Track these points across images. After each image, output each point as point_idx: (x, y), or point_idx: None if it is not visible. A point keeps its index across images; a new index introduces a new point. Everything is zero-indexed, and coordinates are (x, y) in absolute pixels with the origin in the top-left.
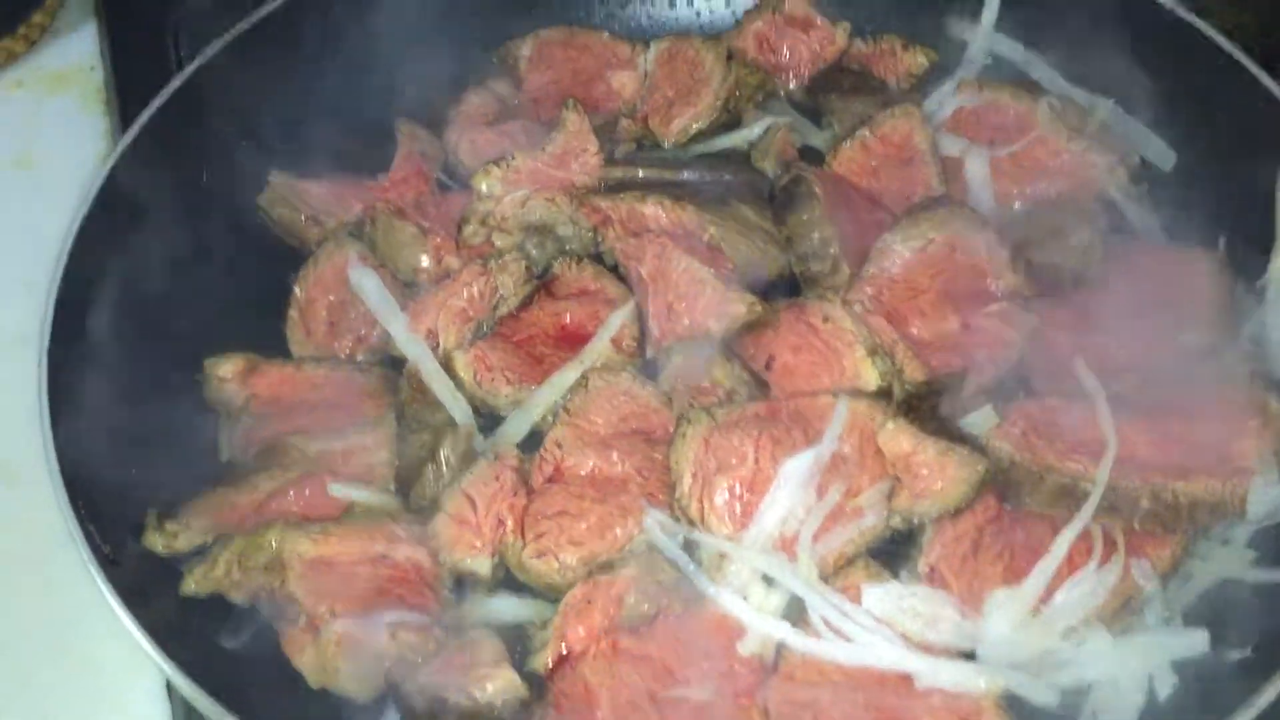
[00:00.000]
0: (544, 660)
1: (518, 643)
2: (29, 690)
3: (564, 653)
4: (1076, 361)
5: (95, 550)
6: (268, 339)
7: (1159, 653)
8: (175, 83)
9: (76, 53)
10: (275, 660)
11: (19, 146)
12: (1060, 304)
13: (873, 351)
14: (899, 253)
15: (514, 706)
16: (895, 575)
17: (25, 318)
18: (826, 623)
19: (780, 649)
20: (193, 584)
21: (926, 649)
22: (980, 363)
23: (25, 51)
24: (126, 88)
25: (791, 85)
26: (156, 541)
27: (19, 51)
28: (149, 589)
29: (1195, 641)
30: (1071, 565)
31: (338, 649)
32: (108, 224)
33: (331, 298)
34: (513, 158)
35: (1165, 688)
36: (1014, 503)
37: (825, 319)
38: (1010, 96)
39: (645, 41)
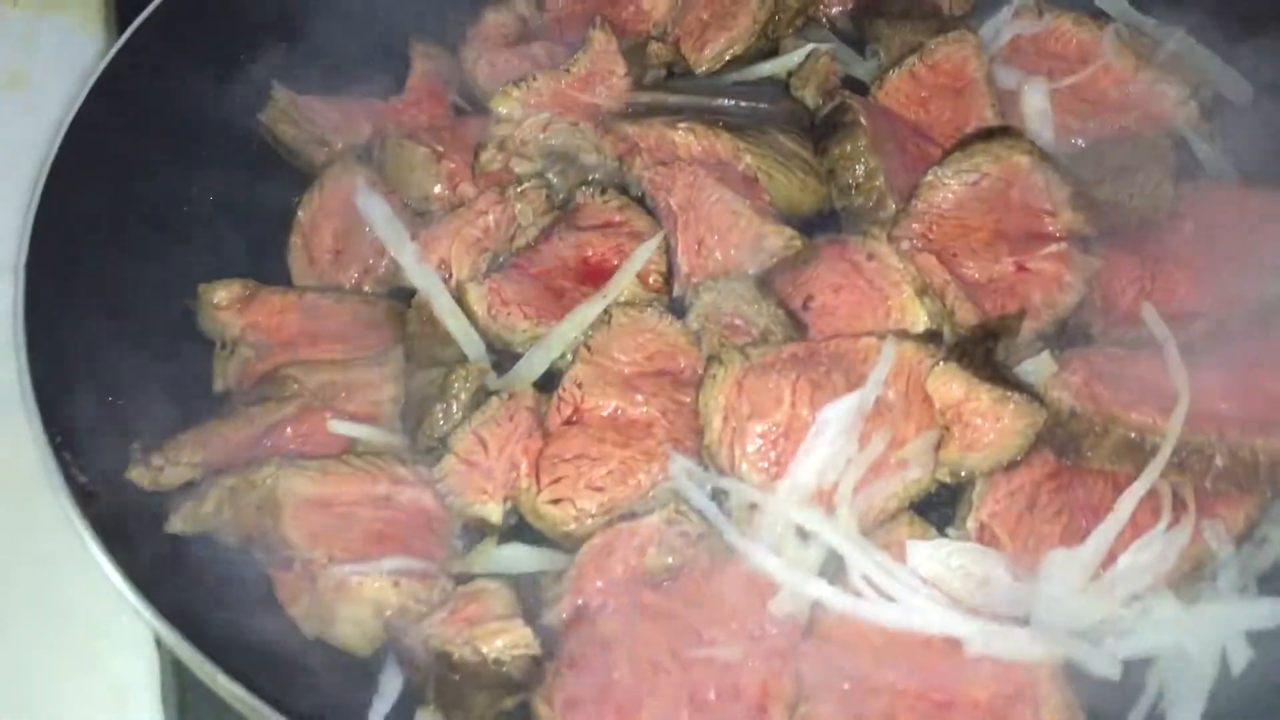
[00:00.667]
0: (558, 614)
1: (530, 595)
2: (5, 642)
3: (580, 607)
4: (1144, 306)
5: (71, 481)
6: (268, 266)
7: (1232, 622)
8: None
9: None
10: (269, 608)
11: (13, 66)
12: (1124, 246)
13: (921, 291)
14: (950, 187)
15: (524, 664)
16: (943, 533)
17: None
18: (868, 581)
19: (816, 609)
20: (179, 522)
21: (976, 613)
22: (1036, 306)
23: None
24: (126, 6)
25: (835, 10)
26: (141, 476)
27: None
28: (131, 527)
29: (1272, 611)
30: (1136, 526)
31: (335, 596)
32: (95, 137)
33: (337, 224)
34: (534, 79)
35: (1240, 661)
36: (1074, 458)
37: (869, 256)
38: (1072, 23)
39: None
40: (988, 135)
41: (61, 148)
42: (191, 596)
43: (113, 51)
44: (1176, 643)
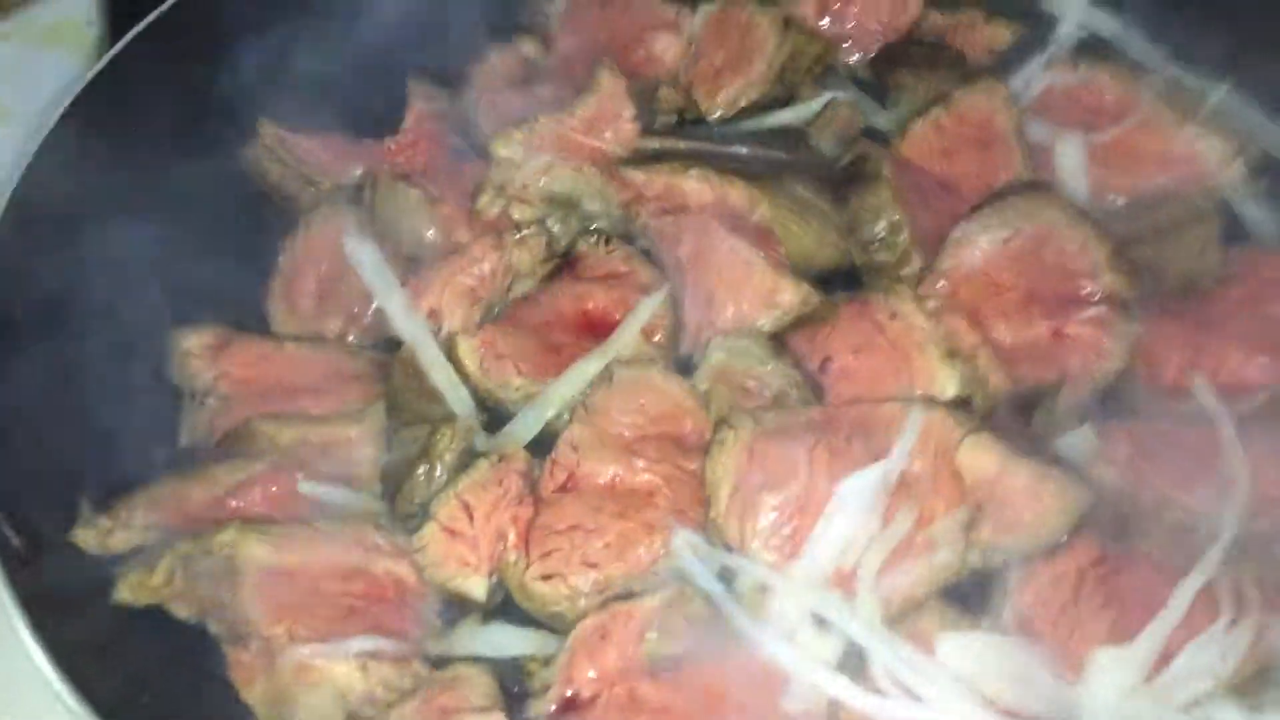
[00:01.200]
0: (545, 707)
1: (515, 682)
2: None
3: (570, 699)
4: (1195, 378)
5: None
6: (246, 311)
7: None
8: (160, 9)
9: (72, 7)
10: (222, 693)
11: (3, 98)
12: (1169, 311)
13: (950, 355)
14: (979, 244)
15: None
16: (975, 625)
17: None
18: (892, 677)
19: (833, 707)
20: (126, 591)
21: (1013, 716)
22: (1075, 375)
23: (19, 2)
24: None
25: (854, 59)
26: (88, 538)
27: (9, 3)
28: (68, 600)
29: None
30: (1193, 623)
31: (295, 680)
32: (66, 166)
33: (322, 269)
34: (536, 121)
35: None
36: (1123, 544)
37: (893, 315)
38: (1109, 76)
39: (692, 2)
40: (1020, 190)
41: (25, 178)
42: (129, 680)
43: (89, 75)
44: None
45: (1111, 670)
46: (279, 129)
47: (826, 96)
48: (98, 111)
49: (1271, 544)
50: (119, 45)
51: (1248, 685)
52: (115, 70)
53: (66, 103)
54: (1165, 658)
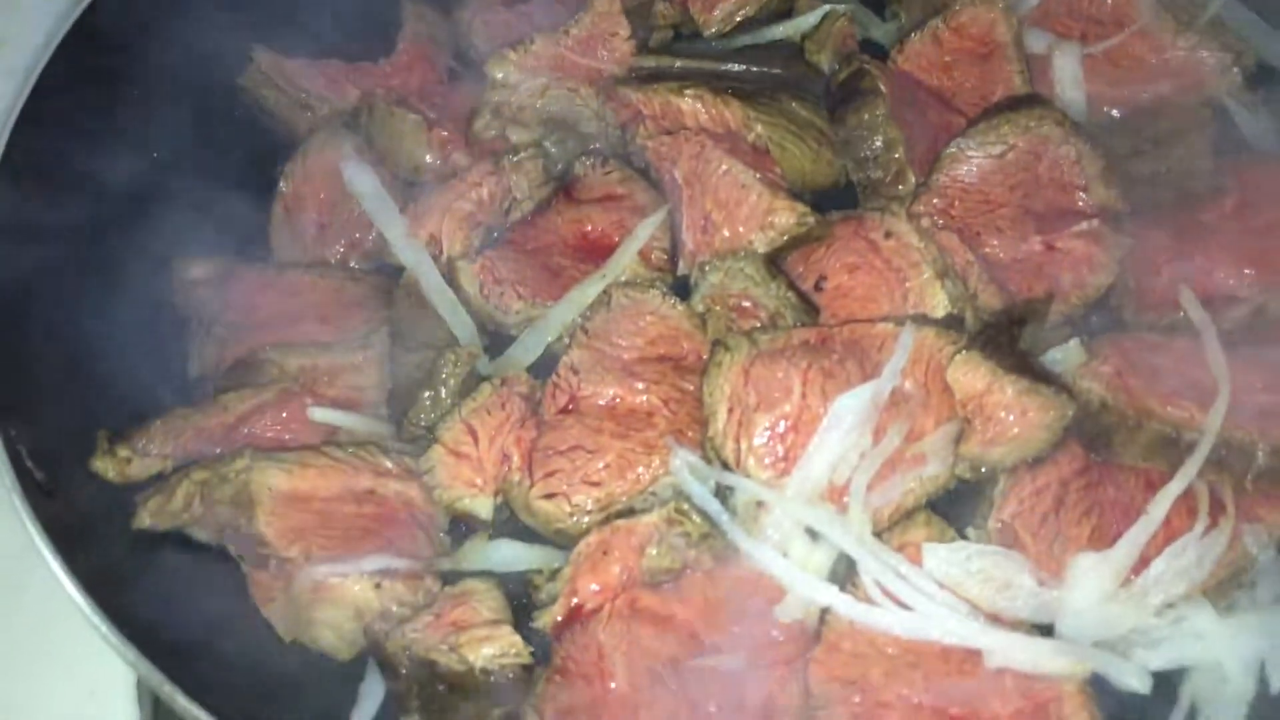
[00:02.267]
0: (551, 617)
1: (522, 595)
2: None
3: (574, 609)
4: (1181, 289)
5: (22, 476)
6: (248, 239)
7: (1272, 633)
8: None
9: None
10: (243, 610)
11: None
12: (1160, 223)
13: (942, 273)
14: (974, 159)
15: (513, 673)
16: (962, 533)
17: None
18: (880, 586)
19: (825, 615)
20: (147, 517)
21: (997, 620)
22: (1065, 289)
23: None
24: None
25: None
26: (107, 467)
27: None
28: (92, 528)
29: None
30: (1171, 529)
31: (312, 598)
32: (63, 98)
33: (322, 195)
34: (532, 41)
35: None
36: (1104, 454)
37: (887, 234)
38: None
39: None
40: (1015, 104)
41: (26, 108)
42: (155, 603)
43: (80, 8)
44: (1212, 655)
45: (1091, 575)
46: (274, 55)
47: (824, 9)
48: (93, 43)
49: (1248, 452)
50: None
51: (1221, 588)
52: (103, 5)
53: (63, 32)
54: (1143, 563)
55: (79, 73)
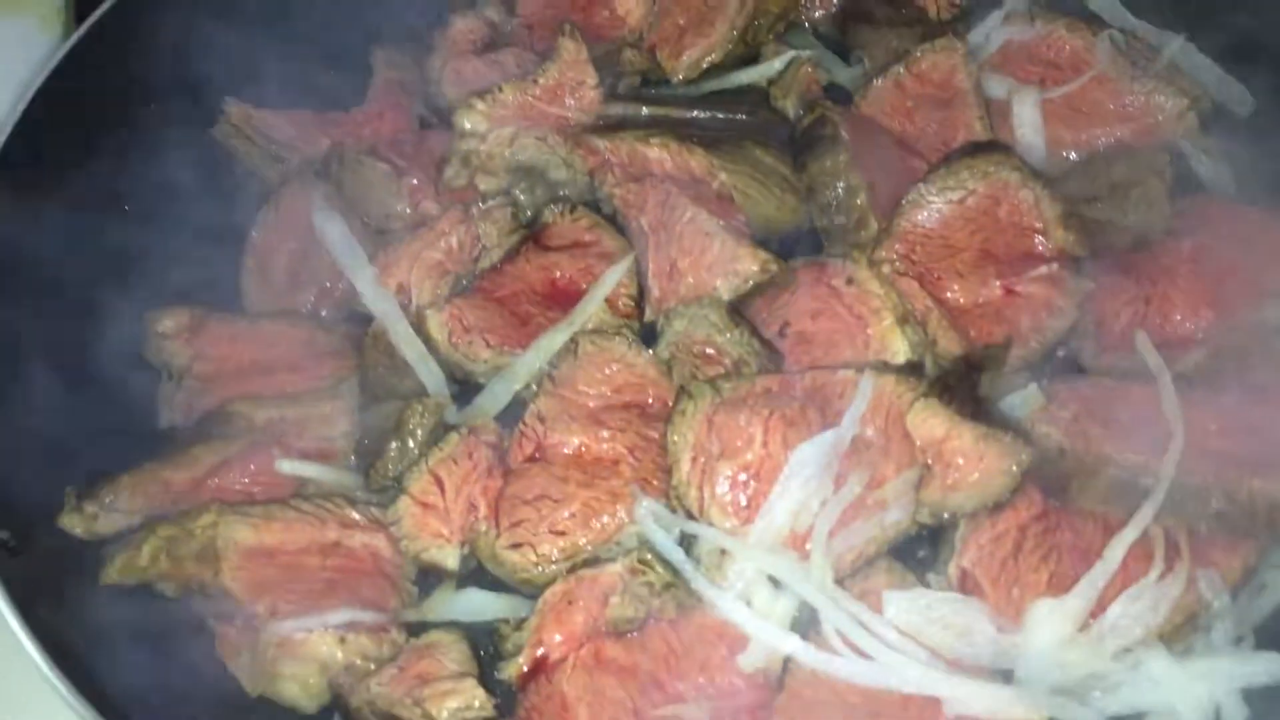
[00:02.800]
0: (516, 668)
1: (488, 645)
2: None
3: (539, 659)
4: (1137, 334)
5: None
6: (220, 290)
7: (1227, 678)
8: None
9: None
10: (208, 663)
11: None
12: (1118, 268)
13: (903, 320)
14: (935, 205)
15: None
16: (923, 580)
17: None
18: (842, 635)
19: (788, 664)
20: (114, 573)
21: (957, 666)
22: (1025, 333)
23: None
24: (86, 7)
25: (817, 15)
26: (74, 523)
27: None
28: (58, 585)
29: (1271, 667)
30: (1127, 574)
31: (278, 653)
32: (36, 149)
33: (293, 244)
34: (500, 90)
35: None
36: (1062, 499)
37: (849, 281)
38: (1065, 29)
39: None
40: (974, 150)
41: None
42: (121, 659)
43: (57, 58)
44: (1167, 700)
45: (1049, 621)
46: (245, 106)
47: (789, 55)
48: (62, 97)
49: (1203, 497)
50: (84, 28)
51: (1177, 633)
52: (82, 53)
53: (35, 86)
54: (1100, 608)
55: (49, 125)
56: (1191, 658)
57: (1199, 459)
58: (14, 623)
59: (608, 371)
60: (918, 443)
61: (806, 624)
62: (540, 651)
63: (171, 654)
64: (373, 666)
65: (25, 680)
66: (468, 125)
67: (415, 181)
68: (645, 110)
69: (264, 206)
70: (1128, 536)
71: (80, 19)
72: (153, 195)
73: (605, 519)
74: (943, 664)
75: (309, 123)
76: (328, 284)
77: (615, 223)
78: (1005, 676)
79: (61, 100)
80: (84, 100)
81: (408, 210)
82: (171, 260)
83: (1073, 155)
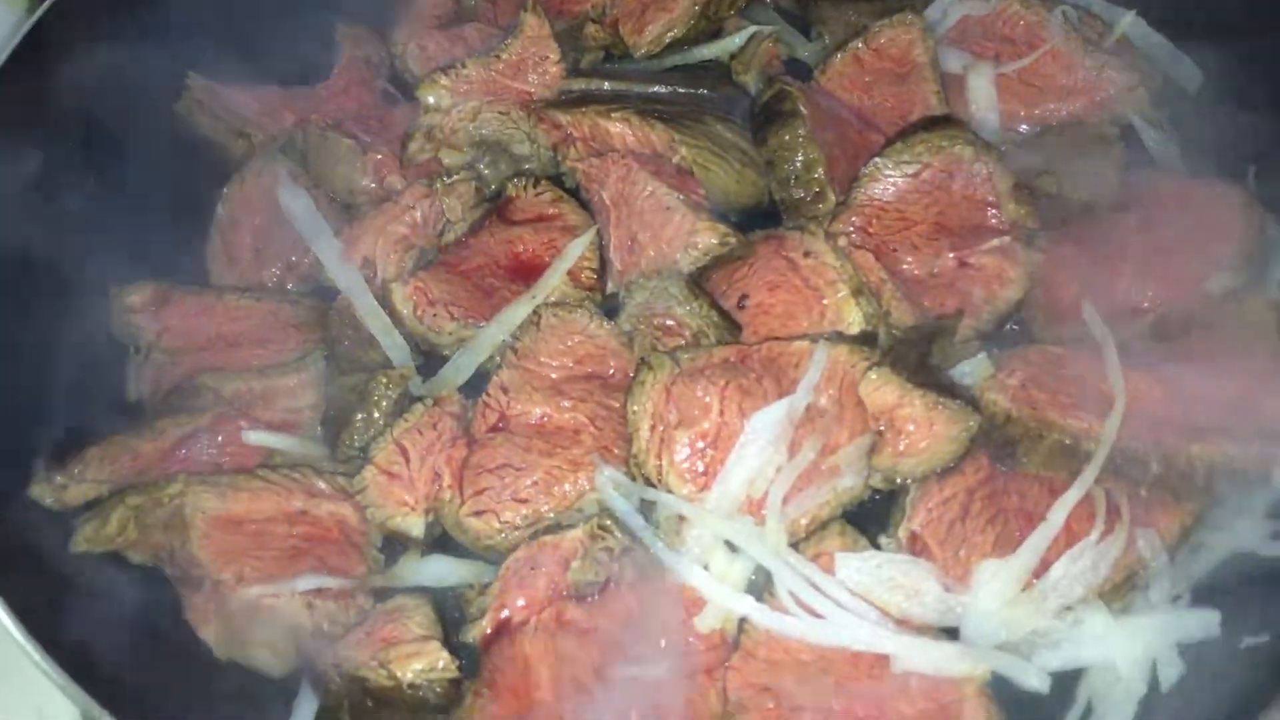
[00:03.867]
0: (480, 631)
1: (453, 609)
2: None
3: (503, 622)
4: (1084, 303)
5: None
6: (186, 265)
7: (1164, 634)
8: None
9: None
10: (177, 630)
11: None
12: (1068, 239)
13: (857, 291)
14: (890, 178)
15: (441, 687)
16: (874, 543)
17: None
18: (795, 596)
19: (743, 625)
20: (83, 542)
21: (905, 625)
22: (977, 303)
23: None
24: None
25: None
26: (44, 493)
27: None
28: (29, 554)
29: (1205, 623)
30: (1070, 535)
31: (246, 619)
32: None
33: (258, 219)
34: (463, 66)
35: (1170, 675)
36: (1009, 463)
37: (806, 253)
38: (1020, 5)
39: None
40: (929, 125)
41: None
42: (91, 626)
43: (18, 37)
44: (1106, 656)
45: (994, 580)
46: (209, 82)
47: (750, 30)
48: (29, 72)
49: (1143, 461)
50: (46, 3)
51: (1116, 591)
52: (45, 30)
53: None
54: (1044, 567)
55: (13, 101)
56: (1130, 615)
57: (1140, 425)
58: None
59: (570, 343)
60: (870, 410)
61: (761, 586)
62: (504, 614)
63: (141, 621)
64: (340, 631)
65: (9, 643)
66: (431, 100)
67: (380, 156)
68: (607, 85)
69: (229, 182)
70: (1070, 499)
71: None
72: (117, 171)
73: (567, 487)
74: (892, 623)
75: (273, 98)
76: (293, 258)
77: (578, 196)
78: (952, 634)
79: (25, 77)
80: (49, 75)
81: (372, 185)
82: (137, 236)
83: (1025, 129)
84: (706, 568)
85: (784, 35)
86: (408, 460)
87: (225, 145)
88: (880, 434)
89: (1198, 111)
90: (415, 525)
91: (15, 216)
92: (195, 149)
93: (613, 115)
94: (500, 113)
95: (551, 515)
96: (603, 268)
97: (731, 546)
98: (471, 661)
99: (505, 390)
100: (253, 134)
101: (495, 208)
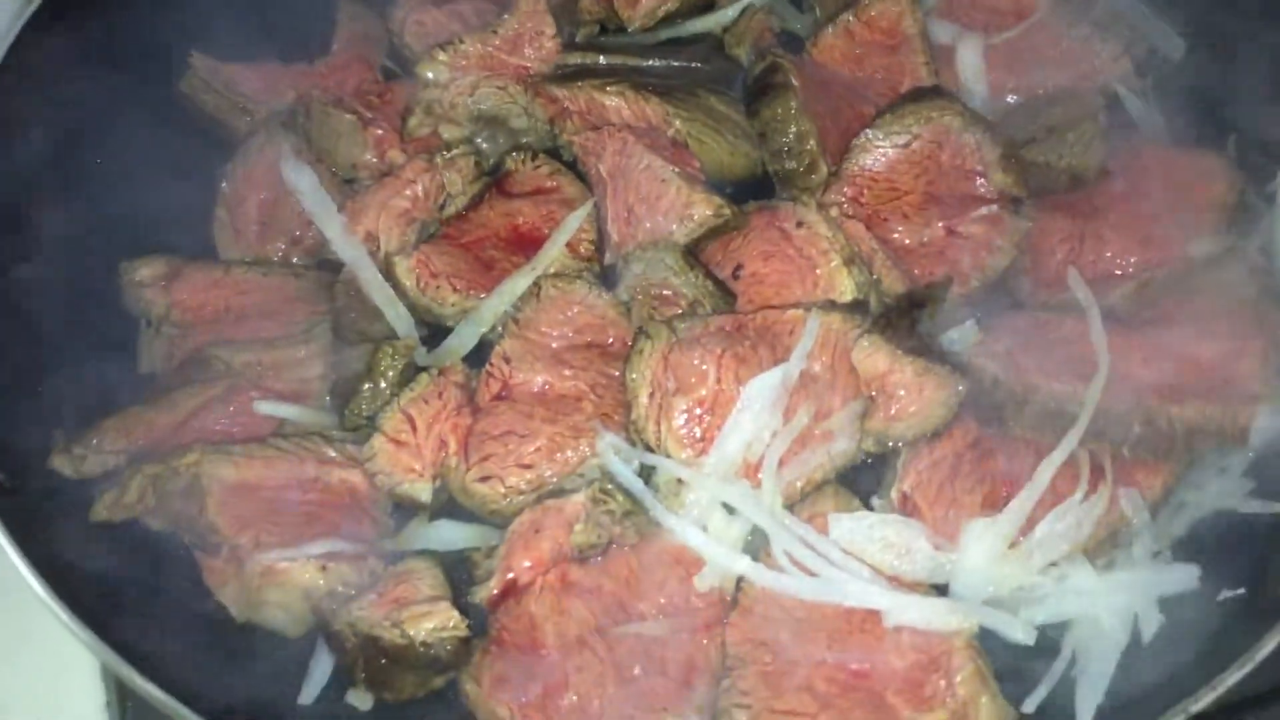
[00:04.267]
0: (487, 592)
1: (461, 572)
2: None
3: (509, 583)
4: (1069, 270)
5: None
6: (193, 240)
7: (1145, 589)
8: None
9: None
10: (198, 593)
11: None
12: (1054, 208)
13: (849, 261)
14: (881, 149)
15: (452, 645)
16: (867, 504)
17: None
18: (790, 556)
19: (740, 583)
20: (103, 510)
21: (896, 582)
22: (965, 271)
23: None
24: None
25: None
26: (64, 464)
27: None
28: (52, 522)
29: (1184, 577)
30: (1055, 494)
31: (263, 582)
32: (5, 102)
33: (263, 194)
34: (461, 41)
35: (1150, 627)
36: (996, 426)
37: (799, 224)
38: None
39: None
40: (918, 96)
41: None
42: (113, 589)
43: (25, 16)
44: (1091, 609)
45: (982, 539)
46: (211, 60)
47: (743, 3)
48: (33, 53)
49: (1125, 422)
50: None
51: (1100, 548)
52: (49, 9)
53: (6, 42)
54: (1030, 525)
55: (19, 82)
56: (1113, 570)
57: (1123, 387)
58: (14, 556)
59: (570, 313)
60: (862, 376)
61: (757, 546)
62: (510, 576)
63: (161, 584)
64: (353, 593)
65: (25, 612)
66: (430, 75)
67: (381, 131)
68: (603, 59)
69: (233, 158)
70: (1055, 459)
71: None
72: (123, 148)
73: (569, 452)
74: (883, 580)
75: (275, 75)
76: (297, 233)
77: (575, 169)
78: (941, 591)
79: (30, 57)
80: (53, 56)
81: (374, 159)
82: (144, 212)
83: (1013, 99)
84: (705, 529)
85: (776, 8)
86: (414, 429)
87: (229, 121)
88: (872, 399)
89: (1181, 81)
90: (423, 491)
91: (24, 192)
92: (199, 126)
93: (608, 89)
94: (498, 87)
95: (555, 480)
96: (600, 239)
97: (729, 509)
98: (479, 621)
99: (508, 360)
100: (255, 110)
101: (495, 181)
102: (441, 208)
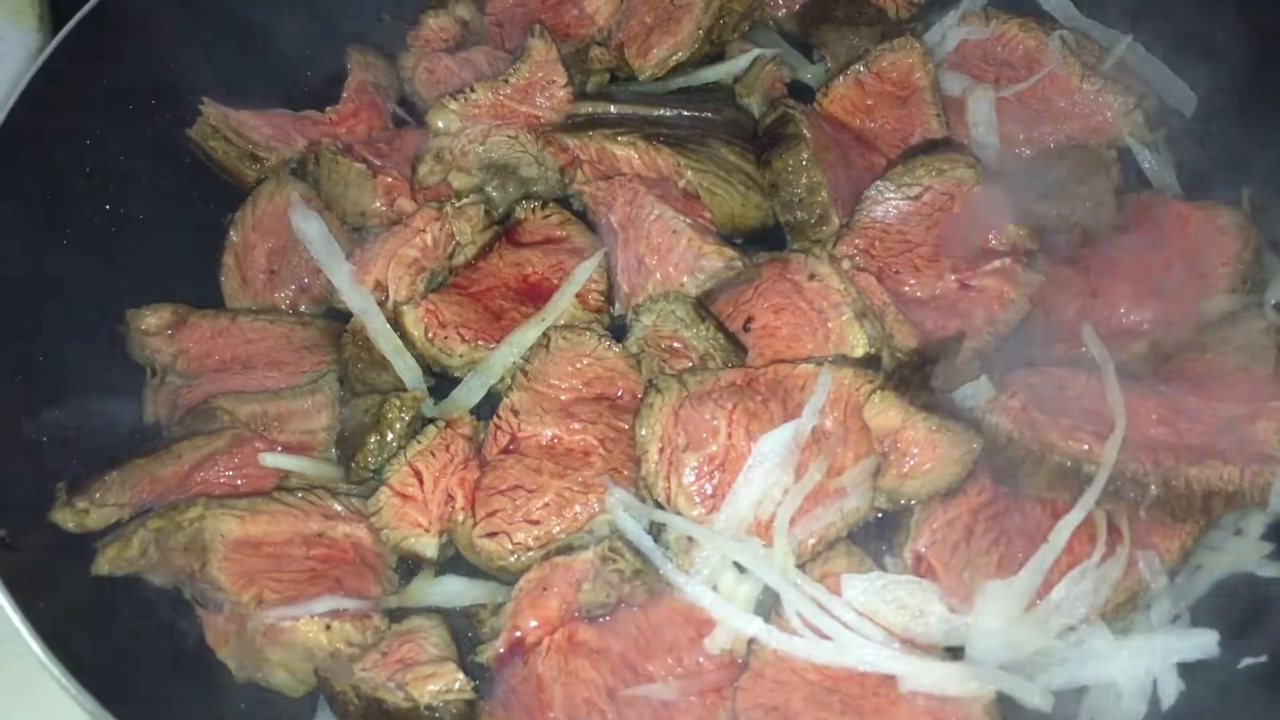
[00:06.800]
0: (494, 651)
1: (467, 630)
2: None
3: (516, 643)
4: (1083, 325)
5: None
6: (200, 288)
7: (1164, 654)
8: None
9: None
10: (197, 651)
11: None
12: (1067, 262)
13: (861, 314)
14: (892, 201)
15: (457, 708)
16: (879, 563)
17: None
18: (802, 617)
19: (751, 645)
20: (105, 565)
21: (910, 644)
22: (978, 325)
23: None
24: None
25: (781, 14)
26: (66, 518)
27: None
28: (52, 577)
29: (1204, 643)
30: (1072, 556)
31: (265, 640)
32: (17, 152)
33: (271, 242)
34: (471, 90)
35: (1170, 694)
36: (1011, 485)
37: (811, 276)
38: (1019, 29)
39: None
40: (929, 148)
41: None
42: (113, 647)
43: (38, 63)
44: (1108, 675)
45: (998, 601)
46: (221, 107)
47: (754, 53)
48: (45, 98)
49: (1142, 483)
50: (63, 31)
51: (1118, 611)
52: (61, 56)
53: (15, 95)
54: (1046, 588)
55: (30, 127)
56: (1131, 635)
57: (1139, 447)
58: (13, 615)
59: (579, 365)
60: (875, 433)
61: (769, 606)
62: (516, 635)
63: (161, 643)
64: (357, 652)
65: (23, 670)
66: (441, 124)
67: (390, 179)
68: (614, 108)
69: (241, 206)
70: (1072, 520)
71: (55, 14)
72: (131, 195)
73: (578, 508)
74: (898, 643)
75: (285, 123)
76: (306, 281)
77: (585, 219)
78: (956, 654)
79: (42, 103)
80: (64, 103)
81: (383, 207)
82: (151, 259)
83: (1025, 151)
84: (715, 589)
85: (787, 58)
86: (421, 482)
87: (238, 169)
88: (884, 456)
89: (1193, 134)
90: (429, 546)
91: (31, 241)
92: (208, 173)
93: (619, 139)
94: (509, 136)
95: (563, 536)
96: (610, 290)
97: (740, 567)
98: (485, 682)
99: (516, 412)
100: (265, 157)
101: (504, 230)
102: (451, 256)
